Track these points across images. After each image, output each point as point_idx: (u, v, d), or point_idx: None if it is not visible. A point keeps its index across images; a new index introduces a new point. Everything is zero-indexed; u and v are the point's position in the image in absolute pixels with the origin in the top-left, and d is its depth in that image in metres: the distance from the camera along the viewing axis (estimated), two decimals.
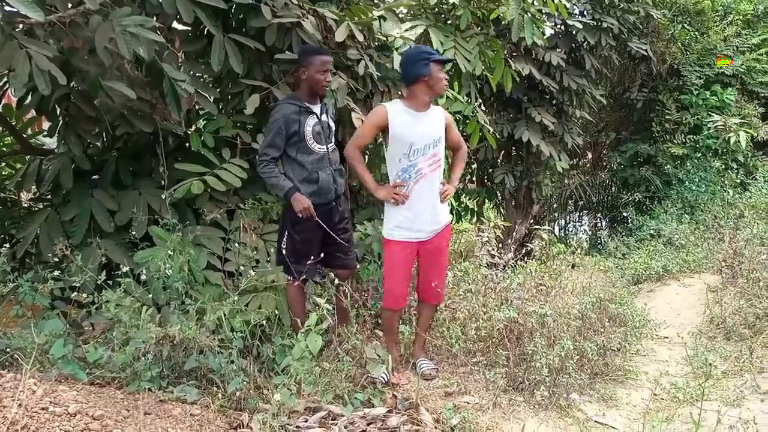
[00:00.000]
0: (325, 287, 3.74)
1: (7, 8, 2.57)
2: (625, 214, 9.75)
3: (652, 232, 7.87)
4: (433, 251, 3.38)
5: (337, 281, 3.52)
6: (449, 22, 5.03)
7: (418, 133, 3.20)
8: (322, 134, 3.42)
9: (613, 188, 10.37)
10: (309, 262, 3.35)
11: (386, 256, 3.38)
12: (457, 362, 3.63)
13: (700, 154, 8.79)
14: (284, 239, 3.47)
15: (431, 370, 3.44)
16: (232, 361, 2.96)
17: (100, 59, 3.06)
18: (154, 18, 3.49)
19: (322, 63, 3.34)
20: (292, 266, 3.38)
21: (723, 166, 8.64)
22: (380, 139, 3.62)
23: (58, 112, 3.84)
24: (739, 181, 8.48)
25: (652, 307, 4.99)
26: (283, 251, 3.46)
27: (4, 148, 4.62)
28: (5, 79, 3.87)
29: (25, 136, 4.35)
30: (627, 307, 4.38)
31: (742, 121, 8.66)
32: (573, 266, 5.02)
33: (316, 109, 3.42)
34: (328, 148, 3.45)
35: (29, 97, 3.76)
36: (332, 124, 3.60)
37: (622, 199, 9.44)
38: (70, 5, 3.07)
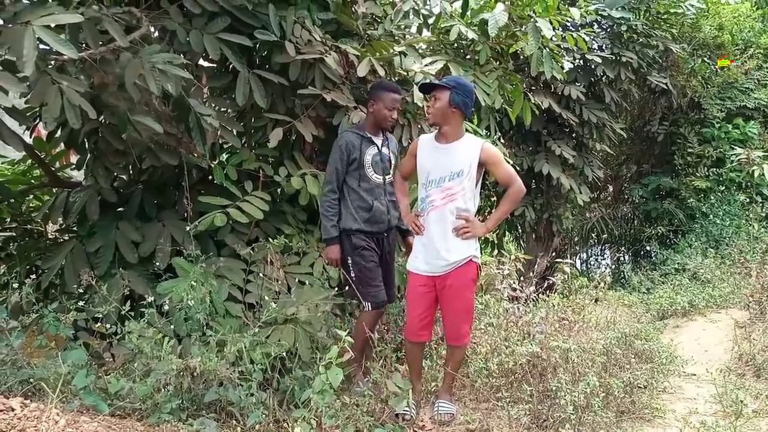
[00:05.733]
0: (346, 320, 3.72)
1: (41, 46, 2.66)
2: (648, 248, 9.62)
3: (676, 266, 7.74)
4: (447, 290, 3.21)
5: None
6: (468, 57, 5.10)
7: (434, 164, 3.20)
8: (380, 165, 3.51)
9: (635, 221, 10.25)
10: (380, 284, 3.35)
11: (407, 286, 3.38)
12: (480, 398, 3.56)
13: (723, 188, 8.69)
14: (351, 268, 3.49)
15: (447, 415, 3.28)
16: (252, 394, 2.94)
17: (129, 95, 3.13)
18: (182, 55, 3.59)
19: (392, 101, 3.44)
20: (368, 290, 3.34)
21: (747, 200, 8.52)
22: None
23: (86, 146, 3.93)
24: (764, 214, 8.33)
25: (678, 343, 4.88)
26: (353, 280, 3.47)
27: (33, 181, 4.72)
28: (32, 112, 3.97)
29: (53, 168, 4.45)
30: (653, 342, 4.29)
31: (766, 154, 8.56)
32: (596, 300, 4.95)
33: (377, 140, 3.53)
34: (385, 179, 3.53)
35: (59, 131, 3.86)
36: (392, 157, 3.65)
37: (645, 233, 9.33)
38: (101, 43, 3.17)
